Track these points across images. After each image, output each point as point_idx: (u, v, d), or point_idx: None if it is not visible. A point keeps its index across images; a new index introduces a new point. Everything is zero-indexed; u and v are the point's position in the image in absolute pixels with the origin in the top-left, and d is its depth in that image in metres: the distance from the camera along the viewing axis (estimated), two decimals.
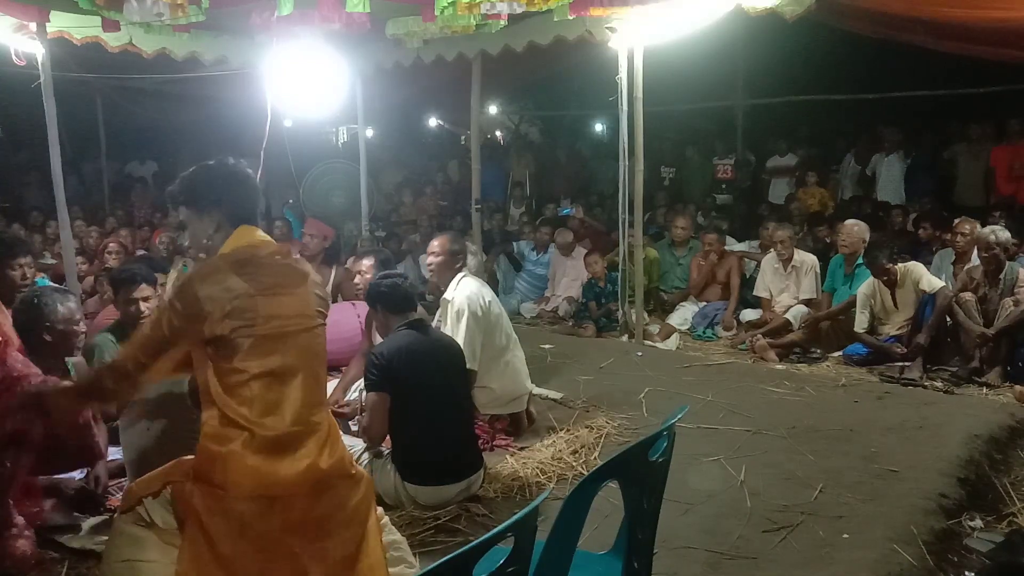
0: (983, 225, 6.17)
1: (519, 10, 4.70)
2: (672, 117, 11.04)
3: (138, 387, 2.28)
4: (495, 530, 1.59)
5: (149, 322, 2.21)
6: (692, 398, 4.57)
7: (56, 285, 4.27)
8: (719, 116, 11.65)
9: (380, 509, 2.56)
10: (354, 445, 3.34)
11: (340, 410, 3.93)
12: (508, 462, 3.81)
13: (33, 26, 5.21)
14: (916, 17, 5.96)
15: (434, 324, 4.06)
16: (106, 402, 2.39)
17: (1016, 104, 8.55)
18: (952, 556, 3.07)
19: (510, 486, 3.56)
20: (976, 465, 3.73)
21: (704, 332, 6.78)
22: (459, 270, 4.20)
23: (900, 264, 5.71)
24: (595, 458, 3.86)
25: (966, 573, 3.00)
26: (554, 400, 4.73)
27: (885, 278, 5.66)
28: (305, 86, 4.95)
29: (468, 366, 3.79)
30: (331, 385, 4.05)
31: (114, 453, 3.49)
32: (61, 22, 5.56)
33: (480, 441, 3.81)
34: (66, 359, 3.40)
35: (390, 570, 2.43)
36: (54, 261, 7.56)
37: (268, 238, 2.31)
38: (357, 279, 4.75)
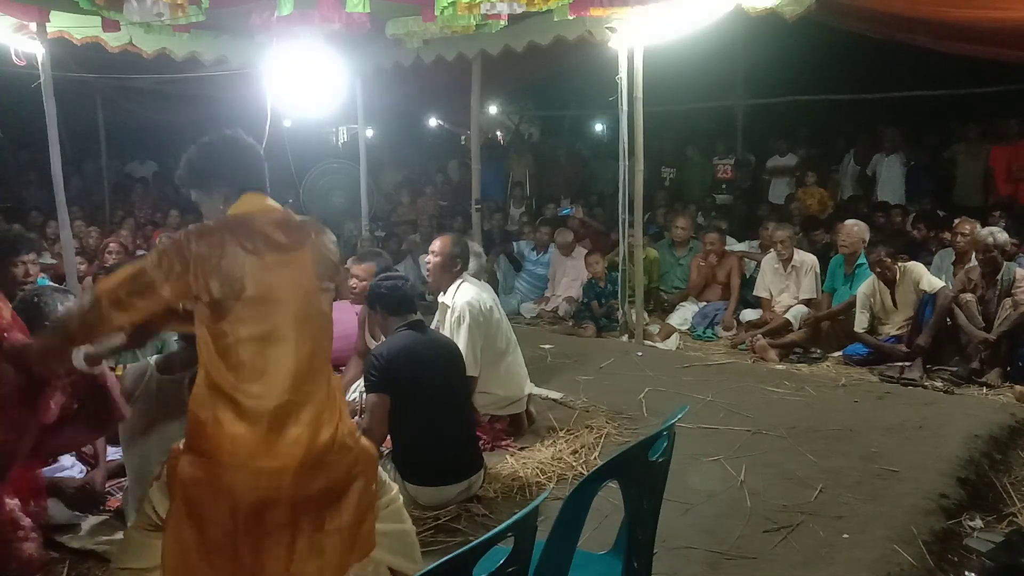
0: (983, 225, 6.18)
1: (519, 10, 4.70)
2: (672, 117, 11.04)
3: (111, 324, 2.15)
4: (495, 530, 1.59)
5: (135, 263, 2.14)
6: (692, 398, 4.57)
7: (56, 285, 4.27)
8: (719, 116, 11.66)
9: (393, 493, 2.51)
10: None
11: None
12: (508, 462, 3.81)
13: (33, 26, 5.21)
14: (916, 17, 5.96)
15: (432, 326, 4.05)
16: (80, 337, 2.26)
17: (1016, 104, 8.55)
18: (952, 556, 3.07)
19: (510, 486, 3.56)
20: (976, 465, 3.73)
21: (704, 332, 6.78)
22: (458, 274, 4.15)
23: (900, 264, 5.71)
24: (595, 458, 3.86)
25: (966, 573, 3.00)
26: (554, 400, 4.73)
27: (879, 270, 5.66)
28: (305, 86, 4.95)
29: (469, 372, 3.77)
30: None
31: (114, 453, 3.50)
32: (61, 22, 5.56)
33: (481, 441, 3.81)
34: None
35: (391, 559, 2.40)
36: (54, 261, 7.56)
37: (275, 205, 2.26)
38: (353, 282, 4.68)
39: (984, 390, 5.00)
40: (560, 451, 3.92)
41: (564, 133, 15.21)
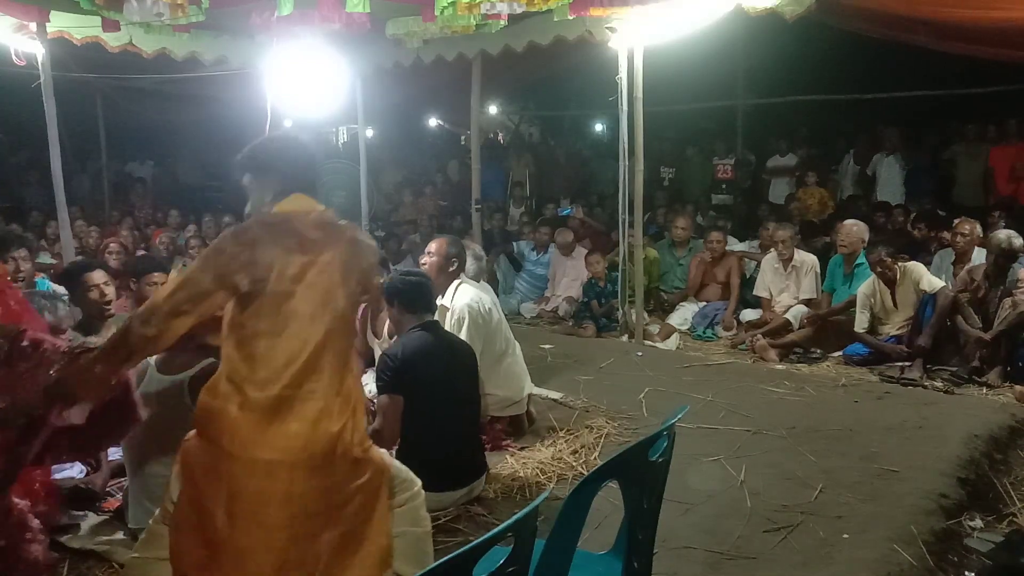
0: (983, 225, 6.18)
1: (519, 10, 4.70)
2: (672, 117, 11.04)
3: (167, 334, 2.18)
4: (495, 530, 1.59)
5: (185, 272, 2.23)
6: (692, 398, 4.57)
7: (46, 291, 4.25)
8: (719, 116, 11.65)
9: (415, 490, 2.51)
10: None
11: None
12: (508, 462, 3.81)
13: (33, 26, 5.22)
14: (916, 17, 5.96)
15: None
16: (135, 354, 2.24)
17: (1016, 104, 8.55)
18: (952, 556, 3.07)
19: (510, 486, 3.56)
20: (976, 465, 3.73)
21: (704, 332, 6.78)
22: (455, 275, 4.13)
23: (900, 264, 5.70)
24: (595, 458, 3.86)
25: (966, 573, 3.00)
26: (554, 400, 4.72)
27: (879, 270, 5.66)
28: (305, 86, 4.95)
29: None
30: None
31: (114, 453, 3.49)
32: (61, 22, 5.56)
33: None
34: None
35: (397, 566, 2.38)
36: (54, 261, 7.56)
37: (318, 206, 2.33)
38: None
39: (984, 390, 5.00)
40: (560, 451, 3.92)
41: (564, 133, 15.21)
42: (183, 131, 12.64)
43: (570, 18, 5.46)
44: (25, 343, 2.46)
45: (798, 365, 5.76)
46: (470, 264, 4.66)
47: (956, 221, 6.15)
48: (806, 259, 6.56)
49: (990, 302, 5.33)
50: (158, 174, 12.63)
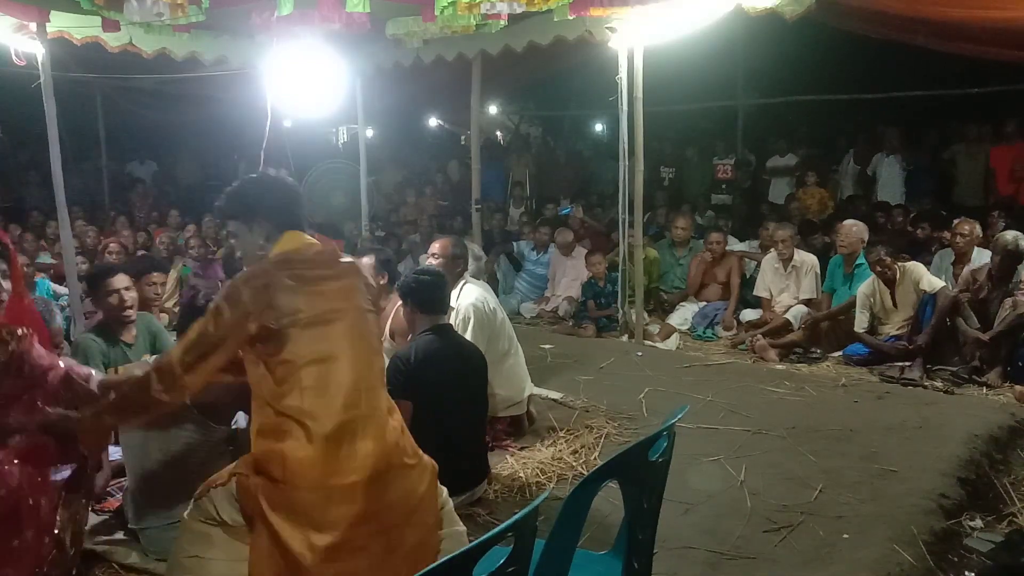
0: (983, 226, 6.18)
1: (519, 10, 4.69)
2: (672, 117, 11.05)
3: (186, 391, 2.25)
4: (495, 530, 1.59)
5: (196, 325, 2.23)
6: (692, 398, 4.57)
7: (43, 298, 4.23)
8: (719, 116, 11.65)
9: (445, 495, 2.52)
10: None
11: None
12: (508, 462, 3.81)
13: (33, 26, 5.20)
14: (916, 17, 5.96)
15: None
16: (149, 412, 2.29)
17: (1016, 104, 8.55)
18: (952, 556, 3.07)
19: (510, 486, 3.56)
20: (976, 465, 3.73)
21: (704, 332, 6.78)
22: (460, 275, 4.15)
23: (900, 264, 5.70)
24: (595, 458, 3.86)
25: (966, 573, 3.00)
26: (554, 400, 4.73)
27: (879, 270, 5.65)
28: (305, 86, 4.95)
29: None
30: None
31: (114, 453, 3.49)
32: (61, 22, 5.55)
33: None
34: None
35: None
36: (54, 261, 7.56)
37: (314, 241, 2.38)
38: None
39: (984, 390, 5.00)
40: (560, 451, 3.92)
41: (564, 133, 15.22)
42: (183, 131, 12.63)
43: (570, 18, 5.45)
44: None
45: (798, 365, 5.76)
46: (470, 264, 4.66)
47: (956, 221, 6.15)
48: (806, 259, 6.56)
49: (992, 303, 5.32)
50: (158, 174, 12.62)
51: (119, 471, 3.43)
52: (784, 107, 10.93)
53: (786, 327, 6.21)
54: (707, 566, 2.90)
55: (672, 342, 6.49)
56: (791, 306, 6.38)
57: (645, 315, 6.61)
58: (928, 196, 8.68)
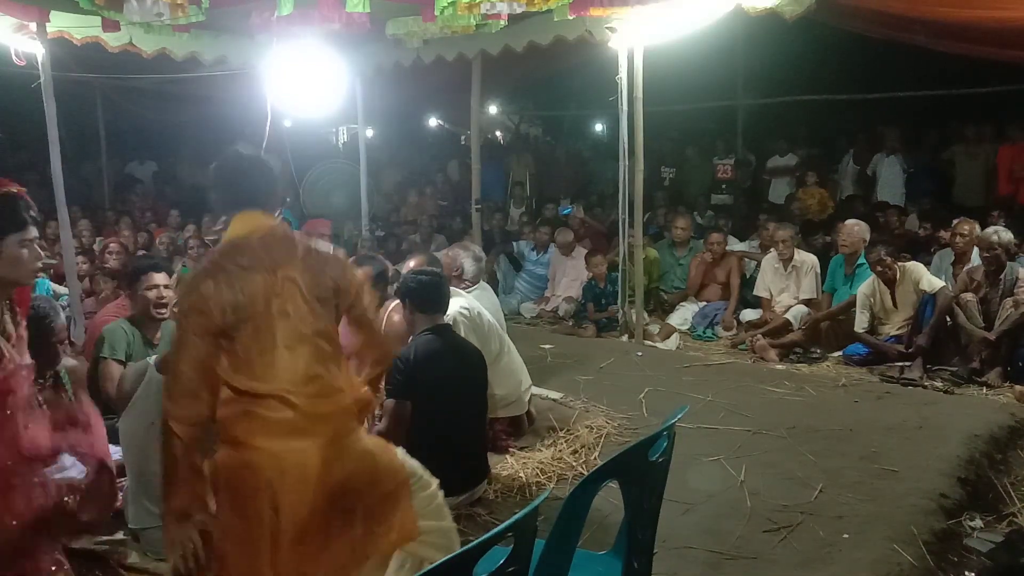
0: (983, 225, 6.17)
1: (519, 10, 4.70)
2: (672, 117, 11.04)
3: (204, 402, 2.15)
4: (495, 530, 1.59)
5: (174, 346, 2.19)
6: (692, 398, 4.57)
7: (46, 297, 4.23)
8: (719, 116, 11.65)
9: (432, 489, 2.49)
10: None
11: None
12: (508, 462, 3.81)
13: (33, 26, 5.21)
14: (916, 17, 5.96)
15: None
16: (193, 463, 2.16)
17: (1016, 104, 8.55)
18: (952, 556, 3.07)
19: (510, 486, 3.56)
20: (976, 465, 3.73)
21: (704, 332, 6.78)
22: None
23: (900, 264, 5.70)
24: (595, 458, 3.86)
25: (966, 573, 3.00)
26: (554, 400, 4.73)
27: (879, 270, 5.65)
28: (305, 86, 4.95)
29: None
30: None
31: (114, 453, 3.49)
32: (61, 22, 5.56)
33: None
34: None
35: (435, 555, 2.38)
36: (54, 261, 7.56)
37: (269, 220, 2.26)
38: None
39: (984, 390, 5.00)
40: (560, 451, 3.92)
41: (564, 133, 15.21)
42: (183, 131, 12.63)
43: (570, 18, 5.46)
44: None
45: (798, 365, 5.76)
46: (470, 265, 4.65)
47: (955, 221, 6.15)
48: (806, 259, 6.55)
49: (991, 301, 5.32)
50: (158, 174, 12.62)
51: (119, 471, 3.42)
52: (784, 107, 10.92)
53: (786, 327, 6.21)
54: (707, 566, 2.90)
55: (672, 342, 6.49)
56: (791, 306, 6.37)
57: (645, 315, 6.60)
58: (928, 196, 8.67)
